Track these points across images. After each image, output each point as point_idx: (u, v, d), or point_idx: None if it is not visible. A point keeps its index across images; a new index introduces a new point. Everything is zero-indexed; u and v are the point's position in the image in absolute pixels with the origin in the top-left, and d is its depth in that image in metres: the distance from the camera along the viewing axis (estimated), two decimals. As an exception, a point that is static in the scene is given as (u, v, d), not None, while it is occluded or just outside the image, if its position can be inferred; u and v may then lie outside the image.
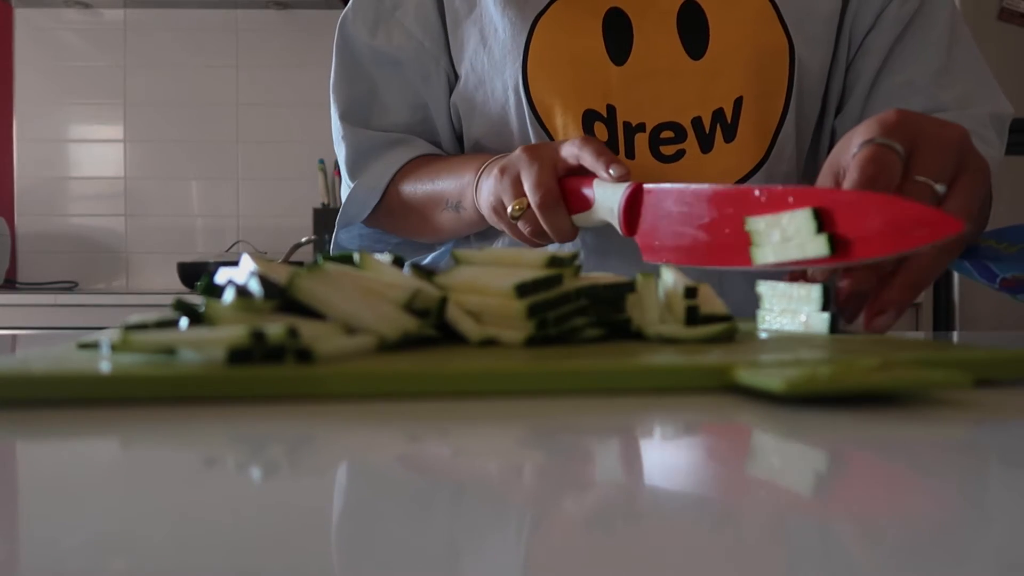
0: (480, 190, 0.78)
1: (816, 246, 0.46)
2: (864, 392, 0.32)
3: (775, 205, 0.50)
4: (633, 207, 0.66)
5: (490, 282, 0.43)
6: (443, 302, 0.43)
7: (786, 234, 0.48)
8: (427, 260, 0.95)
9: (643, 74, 0.80)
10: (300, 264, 0.45)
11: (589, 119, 0.80)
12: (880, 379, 0.32)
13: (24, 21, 2.57)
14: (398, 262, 0.47)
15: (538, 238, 0.73)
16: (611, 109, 0.81)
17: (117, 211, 2.59)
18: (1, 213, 2.52)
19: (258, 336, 0.34)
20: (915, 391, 0.34)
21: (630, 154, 0.80)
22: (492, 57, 0.84)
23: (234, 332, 0.34)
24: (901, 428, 0.30)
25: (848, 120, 0.84)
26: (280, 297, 0.39)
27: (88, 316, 2.08)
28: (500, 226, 0.76)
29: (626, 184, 0.66)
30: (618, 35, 0.81)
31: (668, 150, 0.80)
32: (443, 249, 0.95)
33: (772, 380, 0.31)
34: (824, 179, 0.57)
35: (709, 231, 0.56)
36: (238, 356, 0.34)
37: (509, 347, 0.42)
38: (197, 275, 2.34)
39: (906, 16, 0.82)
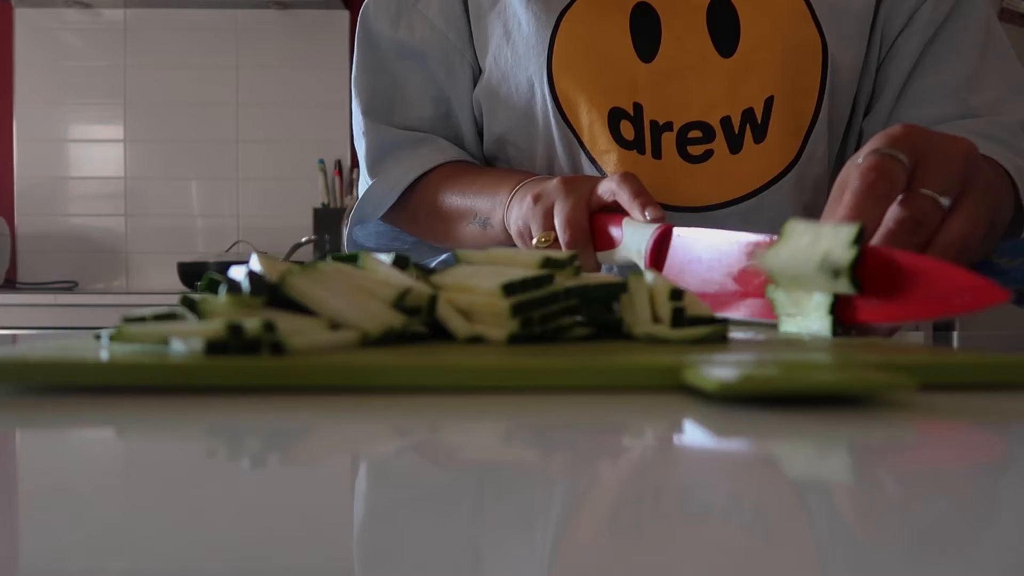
0: (511, 211, 0.77)
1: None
2: (797, 393, 0.32)
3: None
4: (661, 248, 0.64)
5: (481, 281, 0.44)
6: (433, 300, 0.43)
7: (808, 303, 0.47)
8: (437, 261, 0.94)
9: (671, 72, 0.78)
10: (302, 263, 0.46)
11: (615, 117, 0.79)
12: (815, 381, 0.32)
13: (24, 21, 2.57)
14: (399, 262, 0.48)
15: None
16: (638, 107, 0.79)
17: (117, 211, 2.59)
18: (1, 213, 2.53)
19: (235, 329, 0.36)
20: (864, 394, 0.34)
21: (657, 154, 0.79)
22: (516, 52, 0.83)
23: (213, 325, 0.37)
24: (827, 429, 0.30)
25: (876, 123, 0.82)
26: (269, 294, 0.40)
27: (88, 316, 2.08)
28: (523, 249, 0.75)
29: (656, 225, 0.65)
30: (646, 32, 0.79)
31: (696, 150, 0.78)
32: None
33: (707, 380, 0.32)
34: (833, 197, 0.55)
35: (739, 281, 0.55)
36: (215, 347, 0.36)
37: (493, 345, 0.42)
38: (197, 275, 2.34)
39: (940, 17, 0.80)
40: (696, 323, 0.45)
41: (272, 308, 0.41)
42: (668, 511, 0.21)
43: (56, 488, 0.23)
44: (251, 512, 0.21)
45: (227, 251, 2.54)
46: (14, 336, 0.60)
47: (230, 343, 0.36)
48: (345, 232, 0.97)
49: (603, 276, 0.48)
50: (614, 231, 0.69)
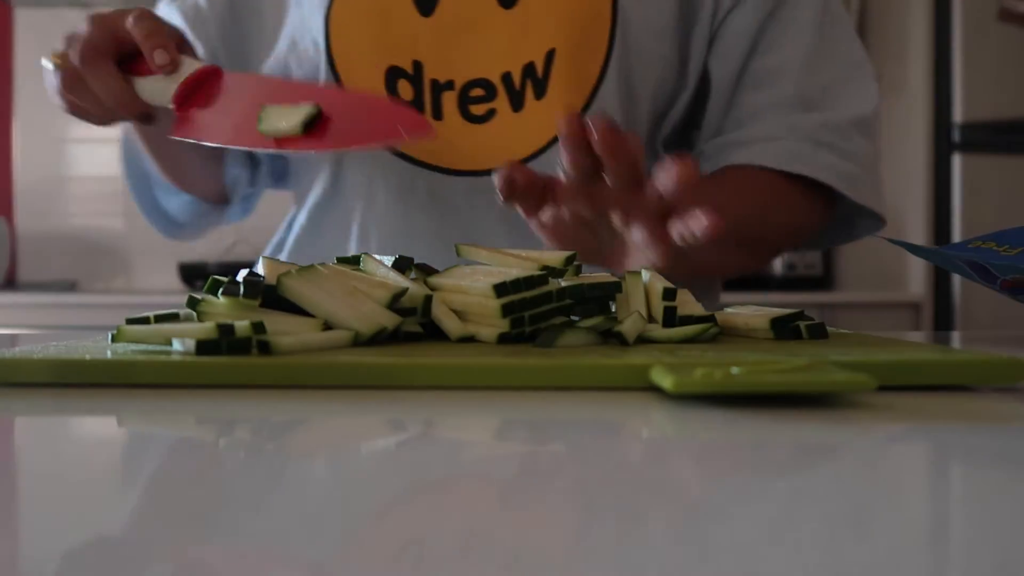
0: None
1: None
2: (755, 392, 0.33)
3: (292, 98, 0.60)
4: (206, 89, 0.65)
5: (476, 282, 0.44)
6: (427, 300, 0.44)
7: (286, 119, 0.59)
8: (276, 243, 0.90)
9: (452, 26, 0.74)
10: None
11: (393, 76, 0.74)
12: (773, 381, 0.32)
13: (24, 21, 2.57)
14: (399, 263, 0.49)
15: (91, 106, 0.68)
16: (418, 66, 0.74)
17: (117, 211, 2.59)
18: (1, 213, 2.53)
19: (224, 330, 0.37)
20: (824, 393, 0.34)
21: (437, 114, 0.74)
22: (302, 12, 0.78)
23: (206, 326, 0.38)
24: (781, 429, 0.30)
25: (718, 105, 0.78)
26: (264, 295, 0.42)
27: (88, 316, 2.08)
28: (59, 103, 0.70)
29: (197, 66, 0.64)
30: None
31: (478, 109, 0.74)
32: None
33: (666, 379, 0.33)
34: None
35: (247, 115, 0.61)
36: (205, 347, 0.37)
37: (484, 344, 0.43)
38: (197, 275, 2.34)
39: None
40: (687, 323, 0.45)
41: (271, 309, 0.42)
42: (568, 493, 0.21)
43: (53, 472, 0.23)
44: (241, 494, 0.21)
45: (227, 251, 2.54)
46: (14, 336, 0.60)
47: (221, 343, 0.37)
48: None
49: (599, 276, 0.48)
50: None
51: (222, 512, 0.21)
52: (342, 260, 0.50)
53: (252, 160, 0.89)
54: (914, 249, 0.63)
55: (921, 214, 2.06)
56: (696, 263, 0.62)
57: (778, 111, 0.76)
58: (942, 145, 2.04)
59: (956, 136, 2.01)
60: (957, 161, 2.01)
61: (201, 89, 0.65)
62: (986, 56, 1.99)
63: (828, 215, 0.79)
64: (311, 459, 0.27)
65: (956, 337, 0.72)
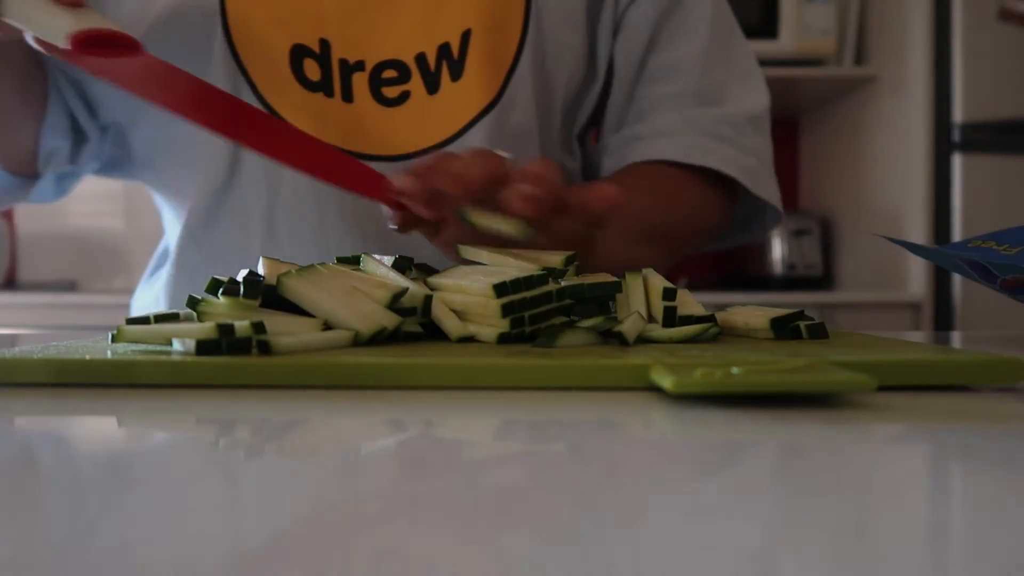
0: None
1: None
2: (755, 392, 0.33)
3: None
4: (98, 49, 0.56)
5: (476, 282, 0.44)
6: (427, 300, 0.44)
7: None
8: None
9: (361, 4, 0.70)
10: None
11: (298, 55, 0.69)
12: (774, 381, 0.32)
13: (24, 21, 2.57)
14: (399, 263, 0.50)
15: None
16: (325, 44, 0.69)
17: (117, 211, 2.59)
18: (1, 213, 2.53)
19: (225, 329, 0.37)
20: (824, 393, 0.34)
21: (347, 96, 0.70)
22: None
23: (205, 326, 0.38)
24: (781, 429, 0.30)
25: (619, 99, 0.79)
26: (264, 295, 0.42)
27: (88, 316, 2.08)
28: None
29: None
30: None
31: (391, 92, 0.70)
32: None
33: (666, 379, 0.32)
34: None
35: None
36: (205, 347, 0.37)
37: (484, 344, 0.43)
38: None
39: None
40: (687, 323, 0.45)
41: (271, 309, 0.43)
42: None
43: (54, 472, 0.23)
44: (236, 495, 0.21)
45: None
46: (14, 336, 0.60)
47: (221, 343, 0.37)
48: None
49: (599, 276, 0.48)
50: None
51: (222, 512, 0.21)
52: (342, 260, 0.50)
53: (77, 134, 0.78)
54: (914, 248, 0.63)
55: (921, 214, 2.06)
56: (605, 257, 0.62)
57: (677, 105, 0.78)
58: (942, 145, 2.04)
59: (956, 136, 2.01)
60: (957, 161, 2.01)
61: (102, 53, 0.57)
62: (986, 56, 1.99)
63: (729, 210, 0.81)
64: (311, 459, 0.27)
65: (956, 337, 0.72)
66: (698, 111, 0.77)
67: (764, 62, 2.47)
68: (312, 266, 0.45)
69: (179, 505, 0.21)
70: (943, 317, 2.05)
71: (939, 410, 0.34)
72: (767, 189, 0.78)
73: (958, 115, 2.01)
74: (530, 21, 0.73)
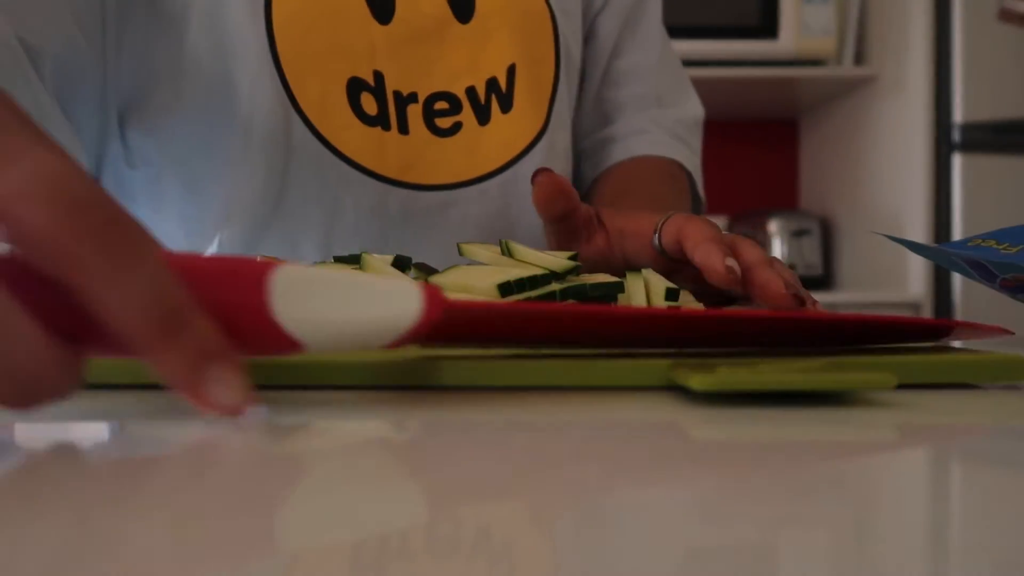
0: None
1: None
2: (776, 390, 0.33)
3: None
4: None
5: (479, 281, 0.44)
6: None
7: None
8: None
9: (410, 36, 0.70)
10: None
11: (355, 89, 0.68)
12: (793, 379, 0.32)
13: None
14: (399, 262, 0.49)
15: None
16: (379, 76, 0.69)
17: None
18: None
19: None
20: (843, 392, 0.34)
21: (403, 129, 0.70)
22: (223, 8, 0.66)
23: None
24: (780, 428, 0.30)
25: (587, 100, 0.86)
26: None
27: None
28: None
29: None
30: None
31: (444, 123, 0.71)
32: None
33: (690, 378, 0.32)
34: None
35: None
36: None
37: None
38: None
39: (631, 2, 0.86)
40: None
41: None
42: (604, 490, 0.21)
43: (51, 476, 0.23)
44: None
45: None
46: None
47: None
48: None
49: (602, 276, 0.48)
50: None
51: (222, 512, 0.21)
52: (340, 260, 0.49)
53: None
54: (914, 247, 0.63)
55: (921, 214, 2.06)
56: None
57: (638, 106, 0.86)
58: (942, 145, 2.04)
59: (956, 136, 2.01)
60: (957, 161, 2.01)
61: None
62: (986, 56, 1.99)
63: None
64: (312, 459, 0.27)
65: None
66: (657, 111, 0.86)
67: (764, 62, 2.46)
68: (311, 266, 0.44)
69: (178, 506, 0.21)
70: (943, 317, 2.05)
71: (943, 408, 0.34)
72: (701, 192, 0.88)
73: (958, 115, 2.01)
74: (560, 49, 0.78)
